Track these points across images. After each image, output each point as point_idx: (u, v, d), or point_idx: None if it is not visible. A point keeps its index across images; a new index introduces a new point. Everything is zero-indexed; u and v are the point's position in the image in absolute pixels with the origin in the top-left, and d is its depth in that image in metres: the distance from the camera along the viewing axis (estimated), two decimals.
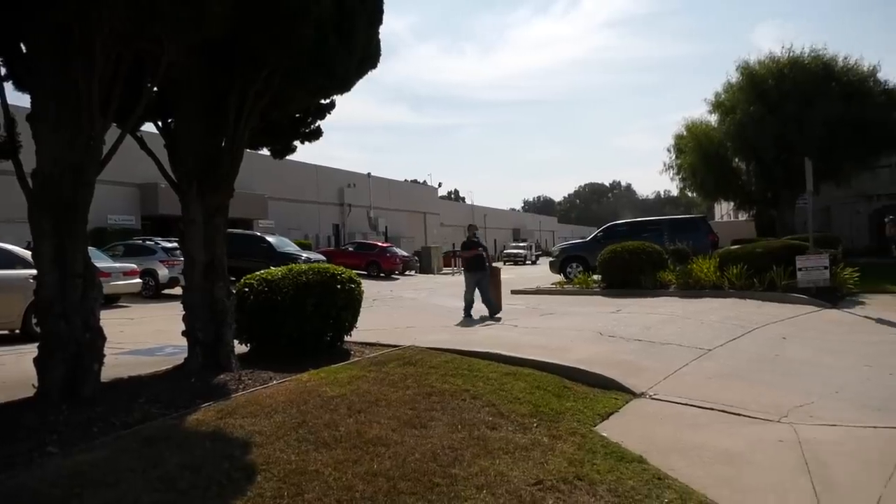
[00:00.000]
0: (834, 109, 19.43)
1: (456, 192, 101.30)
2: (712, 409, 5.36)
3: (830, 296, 12.33)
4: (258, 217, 31.06)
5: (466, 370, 6.05)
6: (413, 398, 5.14)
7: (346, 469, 3.73)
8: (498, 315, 11.01)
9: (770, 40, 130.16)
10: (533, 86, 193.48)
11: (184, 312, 6.25)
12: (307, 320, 6.70)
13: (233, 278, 6.98)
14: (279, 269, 7.21)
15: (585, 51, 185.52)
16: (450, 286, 21.21)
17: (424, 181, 62.28)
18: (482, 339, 8.23)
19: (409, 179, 65.66)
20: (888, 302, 12.08)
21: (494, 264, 12.10)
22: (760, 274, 13.30)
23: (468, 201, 76.30)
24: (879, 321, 10.12)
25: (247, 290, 6.87)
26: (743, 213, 27.70)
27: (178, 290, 14.23)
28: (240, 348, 6.86)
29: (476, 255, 11.48)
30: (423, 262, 33.55)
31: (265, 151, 8.21)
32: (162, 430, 4.36)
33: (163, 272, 17.76)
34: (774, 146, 20.20)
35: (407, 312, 12.76)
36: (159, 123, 6.69)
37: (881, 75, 21.26)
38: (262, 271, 7.20)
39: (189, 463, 3.74)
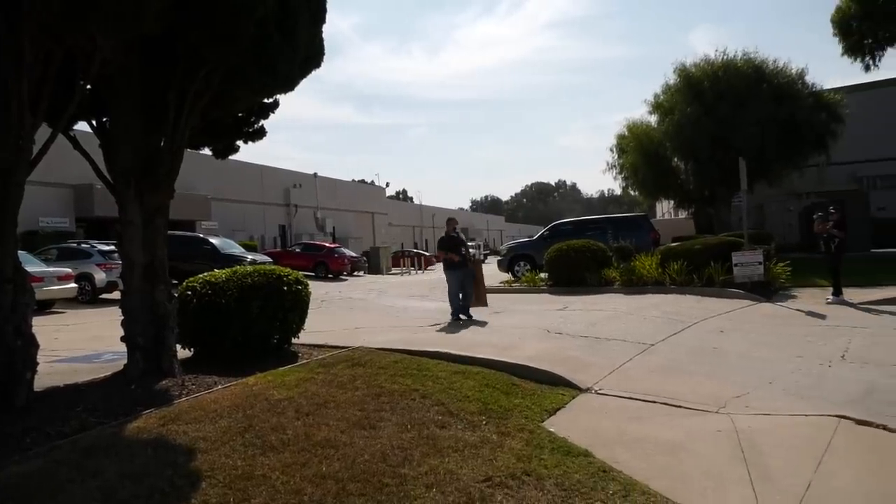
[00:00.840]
0: (765, 111, 20.29)
1: (404, 191, 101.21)
2: (654, 401, 5.53)
3: (765, 290, 12.89)
4: (201, 218, 30.26)
5: (416, 370, 6.05)
6: (362, 399, 5.12)
7: (294, 472, 3.69)
8: (470, 315, 10.48)
9: (705, 43, 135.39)
10: (479, 85, 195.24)
11: (123, 317, 6.05)
12: (253, 323, 6.58)
13: (175, 281, 6.79)
14: (223, 271, 7.05)
15: (529, 51, 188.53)
16: (399, 286, 21.17)
17: (372, 181, 61.93)
18: (432, 338, 8.25)
19: (356, 179, 65.13)
20: (817, 295, 12.70)
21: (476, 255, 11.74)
22: (699, 270, 13.78)
23: (417, 201, 76.25)
24: (809, 314, 10.64)
25: (189, 293, 6.69)
26: (682, 210, 28.63)
27: (116, 295, 13.75)
28: (183, 353, 6.67)
29: (457, 251, 10.69)
30: (371, 263, 33.36)
31: (207, 151, 8.00)
32: (100, 439, 4.21)
33: (100, 276, 17.08)
34: (711, 146, 20.95)
35: (356, 313, 12.66)
36: (94, 122, 6.43)
37: (808, 78, 22.35)
38: (205, 274, 7.03)
39: (130, 472, 3.63)
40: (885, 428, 4.57)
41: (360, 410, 4.83)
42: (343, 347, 7.22)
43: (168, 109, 6.01)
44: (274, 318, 6.76)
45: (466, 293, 10.61)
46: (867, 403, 5.41)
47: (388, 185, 61.33)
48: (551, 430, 4.71)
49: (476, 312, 10.69)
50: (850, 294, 12.12)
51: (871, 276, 14.31)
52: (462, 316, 10.41)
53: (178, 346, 6.45)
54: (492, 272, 23.58)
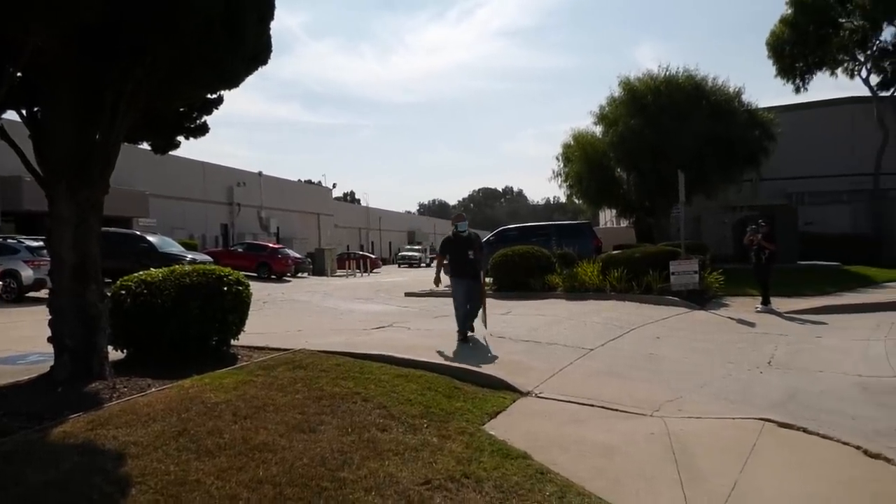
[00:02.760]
0: (704, 126, 21.07)
1: (351, 193, 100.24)
2: (592, 405, 5.66)
3: (699, 298, 13.37)
4: (138, 215, 29.21)
5: (358, 373, 6.01)
6: (302, 402, 5.05)
7: (230, 477, 3.61)
8: (473, 331, 8.67)
9: (649, 59, 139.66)
10: (429, 89, 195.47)
11: (50, 317, 5.78)
12: (191, 324, 6.40)
13: (108, 280, 6.55)
14: (160, 270, 6.84)
15: (478, 58, 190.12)
16: (344, 289, 20.98)
17: (319, 182, 61.25)
18: (375, 341, 8.22)
19: (302, 179, 64.25)
20: (748, 303, 13.27)
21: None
22: (639, 277, 14.18)
23: (364, 203, 75.78)
24: (740, 321, 11.11)
25: (123, 292, 6.45)
26: (624, 219, 29.37)
27: (45, 293, 13.12)
28: (116, 355, 6.44)
29: (463, 257, 8.57)
30: (316, 265, 32.94)
31: (146, 146, 7.76)
32: (23, 444, 4.01)
33: (26, 273, 16.25)
34: (652, 158, 21.59)
35: (299, 315, 12.48)
36: (24, 112, 6.14)
37: (745, 97, 23.31)
38: (141, 273, 6.80)
39: (54, 479, 3.48)
40: (805, 430, 4.82)
41: (301, 414, 4.77)
42: (284, 350, 7.10)
43: (105, 103, 5.79)
44: (213, 320, 6.59)
45: (472, 305, 8.66)
46: (790, 407, 5.70)
47: (335, 186, 60.64)
48: (492, 433, 4.76)
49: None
50: (778, 303, 12.72)
51: (797, 286, 15.05)
52: (467, 336, 8.52)
53: (111, 348, 6.22)
54: None
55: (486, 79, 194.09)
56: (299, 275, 29.71)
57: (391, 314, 12.32)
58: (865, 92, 26.60)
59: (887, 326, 10.23)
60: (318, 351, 6.97)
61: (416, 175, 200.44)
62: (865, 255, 22.36)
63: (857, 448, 4.40)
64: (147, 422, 4.43)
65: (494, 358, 7.40)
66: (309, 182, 66.30)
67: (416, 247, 56.71)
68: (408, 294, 16.98)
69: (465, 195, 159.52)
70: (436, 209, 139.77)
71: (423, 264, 48.76)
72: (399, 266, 49.14)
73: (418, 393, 5.52)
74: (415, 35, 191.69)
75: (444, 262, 8.94)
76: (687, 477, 4.06)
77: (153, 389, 5.33)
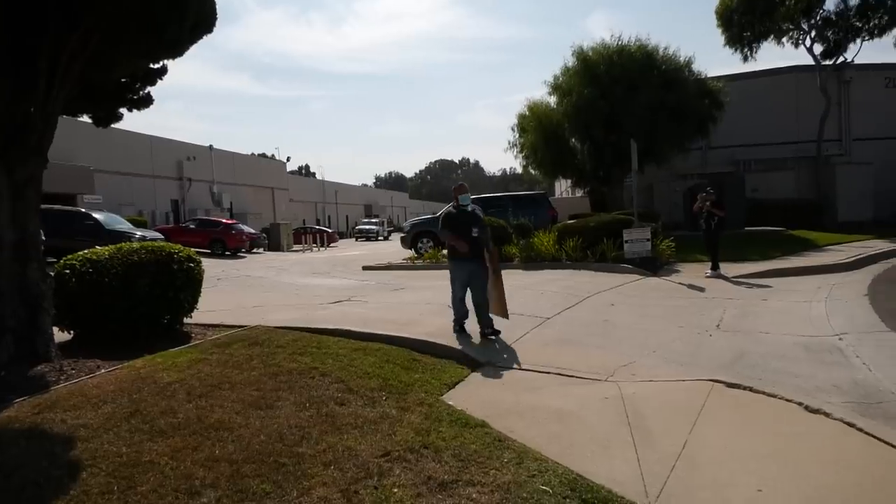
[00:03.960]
0: (656, 96, 21.31)
1: (306, 166, 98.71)
2: (549, 372, 5.76)
3: (652, 265, 13.67)
4: (83, 191, 28.06)
5: (315, 348, 5.97)
6: (259, 379, 4.99)
7: (185, 457, 3.55)
8: (496, 329, 7.08)
9: (602, 28, 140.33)
10: (382, 60, 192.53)
11: None
12: (140, 303, 6.22)
13: (53, 260, 6.29)
14: (107, 248, 6.60)
15: (434, 27, 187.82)
16: (300, 264, 20.74)
17: (272, 155, 59.97)
18: (332, 316, 8.16)
19: (255, 153, 62.83)
20: (698, 269, 13.64)
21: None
22: (593, 246, 14.41)
23: (319, 176, 74.63)
24: (690, 287, 11.42)
25: (68, 271, 6.22)
26: (579, 189, 29.67)
27: None
28: (63, 336, 6.23)
29: (466, 235, 7.18)
30: (271, 240, 32.41)
31: (87, 118, 7.42)
32: None
33: None
34: (606, 128, 21.78)
35: (254, 291, 12.29)
36: None
37: (695, 66, 23.61)
38: (86, 251, 6.56)
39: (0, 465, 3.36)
40: (751, 389, 5.01)
41: (257, 391, 4.71)
42: (239, 326, 6.99)
43: (40, 74, 5.50)
44: (163, 298, 6.43)
45: (478, 296, 7.22)
46: (737, 368, 5.91)
47: (289, 159, 59.80)
48: (450, 403, 4.80)
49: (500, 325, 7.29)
50: (726, 268, 13.11)
51: (745, 251, 15.53)
52: (466, 327, 7.26)
53: (57, 330, 6.01)
54: (395, 249, 23.69)
55: (441, 49, 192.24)
56: (254, 250, 29.23)
57: (349, 288, 12.24)
58: (810, 61, 27.27)
59: (828, 288, 10.68)
60: (275, 327, 6.89)
61: (371, 147, 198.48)
62: (808, 220, 23.17)
63: (799, 404, 4.60)
64: (97, 404, 4.31)
65: (452, 329, 7.42)
66: (262, 156, 64.89)
67: (374, 220, 56.28)
68: (365, 268, 16.90)
69: (422, 167, 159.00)
70: (392, 182, 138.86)
71: (380, 237, 48.57)
72: (356, 240, 48.82)
73: (377, 366, 5.52)
74: (366, 3, 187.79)
75: (448, 240, 7.37)
76: (640, 438, 4.17)
77: (102, 371, 5.18)
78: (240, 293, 11.97)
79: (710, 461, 3.83)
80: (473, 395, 5.09)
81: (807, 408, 4.52)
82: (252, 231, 30.04)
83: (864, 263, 13.84)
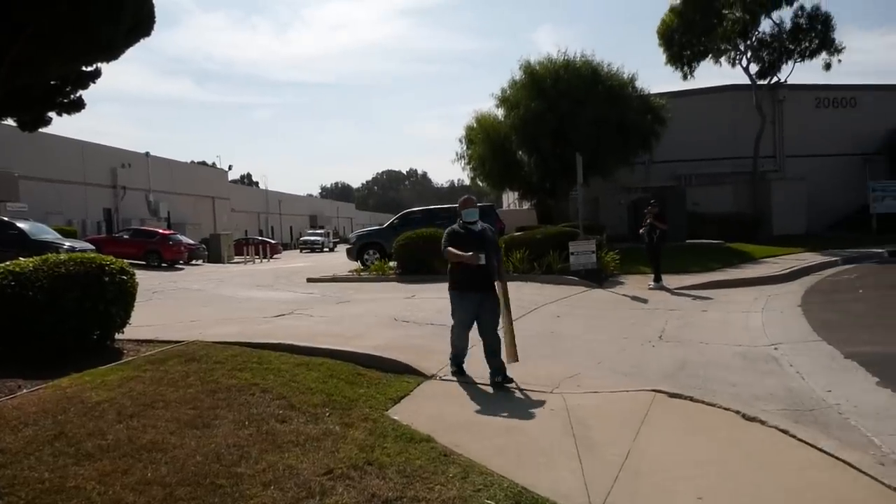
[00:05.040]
0: (601, 110, 21.90)
1: (249, 175, 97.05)
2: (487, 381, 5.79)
3: (597, 277, 13.98)
4: (7, 199, 26.72)
5: (256, 363, 5.83)
6: (196, 397, 4.84)
7: (114, 481, 3.40)
8: (509, 377, 5.84)
9: (549, 43, 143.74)
10: (329, 69, 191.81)
11: None
12: (68, 317, 5.94)
13: None
14: (31, 259, 6.30)
15: (382, 37, 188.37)
16: (242, 276, 20.30)
17: (213, 163, 58.61)
18: (274, 330, 8.02)
19: (195, 161, 61.29)
20: (641, 281, 14.02)
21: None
22: (540, 258, 14.63)
23: (262, 186, 73.42)
24: (634, 298, 11.72)
25: None
26: (526, 201, 30.12)
27: None
28: None
29: (474, 258, 5.83)
30: (211, 251, 31.62)
31: (12, 122, 7.10)
32: None
33: None
34: (552, 141, 22.22)
35: (192, 305, 11.94)
36: None
37: (638, 83, 24.40)
38: (9, 263, 6.23)
39: None
40: (691, 399, 5.17)
41: (193, 409, 4.56)
42: (175, 342, 6.76)
43: None
44: (93, 312, 6.16)
45: (490, 336, 5.96)
46: (679, 378, 6.09)
47: (230, 168, 58.55)
48: (395, 418, 4.77)
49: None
50: (668, 280, 13.52)
51: (685, 263, 16.05)
52: (466, 367, 6.17)
53: None
54: (340, 260, 23.46)
55: (389, 59, 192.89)
56: (193, 262, 28.48)
57: (292, 301, 12.04)
58: (746, 80, 28.53)
59: (764, 299, 11.15)
60: (213, 342, 6.69)
61: (317, 157, 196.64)
62: (746, 233, 24.15)
63: (737, 412, 4.77)
64: (17, 426, 4.09)
65: (397, 342, 7.40)
66: (202, 164, 63.38)
67: (319, 231, 55.73)
68: (310, 280, 16.68)
69: (369, 177, 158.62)
70: (338, 192, 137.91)
71: (326, 249, 48.12)
72: (301, 251, 48.23)
73: (320, 381, 5.43)
74: (313, 10, 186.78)
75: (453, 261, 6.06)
76: (584, 448, 4.24)
77: (24, 391, 4.92)
78: (177, 307, 11.61)
79: (653, 469, 3.92)
80: (419, 410, 5.07)
81: (744, 416, 4.69)
82: (191, 242, 29.30)
83: (798, 275, 14.50)
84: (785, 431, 4.36)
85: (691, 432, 4.54)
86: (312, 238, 50.12)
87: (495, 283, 6.09)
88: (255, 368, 5.66)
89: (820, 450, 4.05)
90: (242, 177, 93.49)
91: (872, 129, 29.56)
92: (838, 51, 26.91)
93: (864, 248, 19.73)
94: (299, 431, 4.28)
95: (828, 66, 27.28)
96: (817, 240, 23.22)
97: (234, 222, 51.19)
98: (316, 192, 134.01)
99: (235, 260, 33.43)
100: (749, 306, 10.43)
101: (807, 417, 4.90)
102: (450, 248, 5.99)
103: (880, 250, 19.06)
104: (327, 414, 4.68)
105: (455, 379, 6.01)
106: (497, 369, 5.87)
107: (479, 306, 5.99)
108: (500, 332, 6.04)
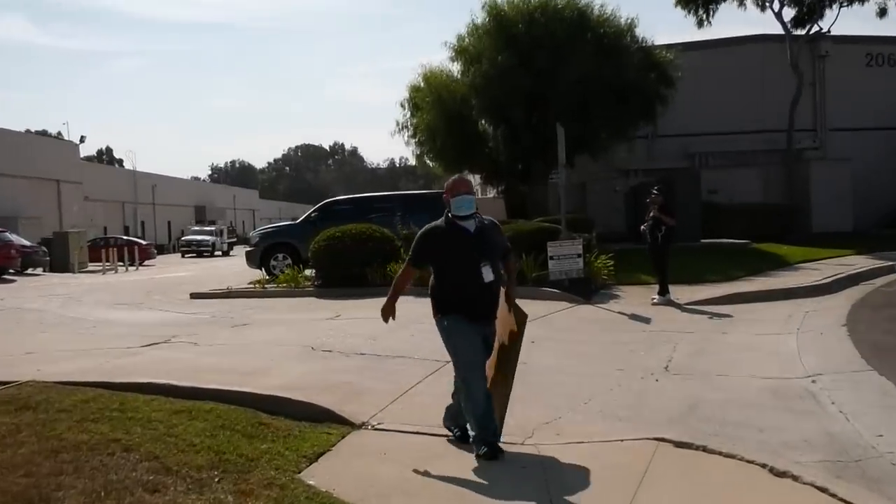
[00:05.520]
0: (589, 67, 22.16)
1: (109, 151, 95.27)
2: (448, 435, 5.84)
3: (584, 288, 14.20)
4: None
5: (117, 411, 5.79)
6: (30, 460, 4.74)
7: None
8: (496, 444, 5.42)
9: None
10: (219, 4, 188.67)
11: None
12: None
13: None
14: None
15: None
16: (99, 290, 19.93)
17: (58, 134, 57.18)
18: (143, 365, 7.97)
19: (32, 130, 59.63)
20: (642, 294, 14.31)
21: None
22: None
23: (129, 165, 72.10)
24: (633, 317, 11.97)
25: None
26: (491, 188, 30.36)
27: None
28: None
29: (470, 270, 5.50)
30: (55, 256, 30.98)
31: None
32: None
33: None
34: (526, 107, 22.45)
35: (27, 331, 11.69)
36: None
37: (638, 31, 24.90)
38: None
39: None
40: (704, 449, 5.30)
41: (26, 477, 4.46)
42: (2, 383, 6.64)
43: None
44: None
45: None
46: (689, 422, 6.25)
47: (83, 140, 57.12)
48: (310, 482, 4.75)
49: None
50: (678, 292, 13.83)
51: (700, 270, 16.47)
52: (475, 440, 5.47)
53: None
54: (238, 268, 23.19)
55: None
56: (30, 271, 27.95)
57: (170, 325, 11.90)
58: (779, 29, 29.34)
59: (800, 316, 11.53)
60: (57, 382, 6.65)
61: (206, 127, 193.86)
62: (778, 229, 24.91)
63: (763, 466, 4.92)
64: None
65: (315, 379, 7.37)
66: (43, 134, 61.75)
67: (208, 228, 54.94)
68: (195, 295, 16.50)
69: (278, 155, 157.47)
70: (236, 175, 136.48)
71: (217, 252, 47.58)
72: (183, 255, 47.67)
73: (207, 434, 5.40)
74: None
75: (413, 277, 6.10)
76: None
77: None
78: (4, 334, 11.34)
79: None
80: (344, 470, 5.07)
81: (772, 470, 4.84)
82: (26, 243, 28.77)
83: (843, 285, 15.03)
84: (824, 490, 4.52)
85: (702, 495, 4.67)
86: (199, 237, 49.58)
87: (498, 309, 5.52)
88: (116, 418, 5.61)
89: None
90: (100, 152, 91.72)
91: None
92: None
93: None
94: None
95: (883, 12, 28.20)
96: (868, 239, 24.10)
97: (88, 215, 50.15)
98: (205, 174, 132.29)
99: (90, 267, 33.16)
100: (781, 326, 10.78)
101: (852, 470, 5.08)
102: (399, 273, 5.88)
103: None
104: (216, 479, 4.63)
105: (391, 429, 6.02)
106: (496, 429, 5.51)
107: (484, 336, 5.59)
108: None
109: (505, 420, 5.76)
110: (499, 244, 5.77)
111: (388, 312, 5.83)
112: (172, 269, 30.95)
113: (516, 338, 5.47)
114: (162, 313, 14.03)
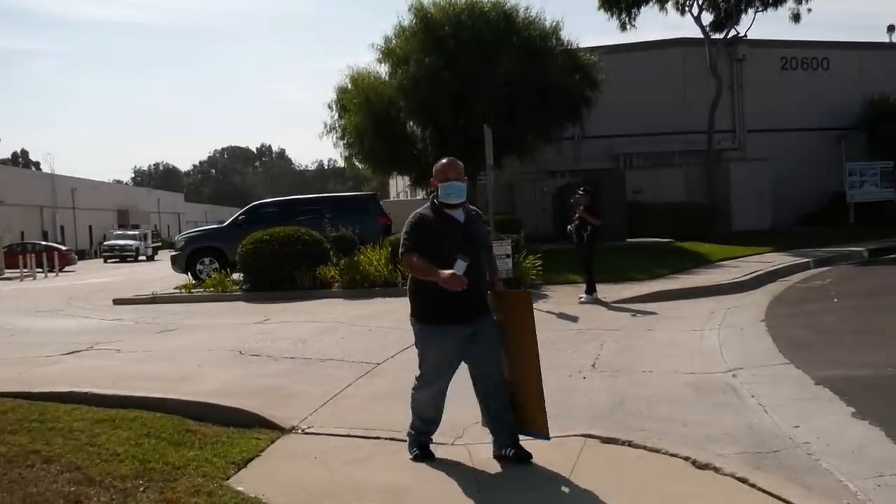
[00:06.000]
0: (516, 69, 22.43)
1: (24, 154, 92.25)
2: (378, 437, 5.86)
3: (513, 289, 14.29)
4: None
5: (37, 421, 5.66)
6: None
7: None
8: (526, 451, 5.23)
9: None
10: (140, 3, 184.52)
11: None
12: None
13: None
14: None
15: None
16: (15, 297, 19.35)
17: None
18: (64, 373, 7.80)
19: None
20: (570, 293, 14.54)
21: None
22: None
23: (46, 168, 70.02)
24: (561, 316, 12.17)
25: None
26: (420, 189, 30.44)
27: None
28: None
29: (457, 282, 4.86)
30: None
31: None
32: None
33: None
34: (452, 108, 22.57)
35: None
36: None
37: (564, 34, 25.21)
38: None
39: None
40: (630, 444, 5.44)
41: None
42: None
43: None
44: None
45: (489, 386, 5.48)
46: (616, 418, 6.40)
47: None
48: (239, 489, 4.71)
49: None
50: (605, 291, 14.12)
51: (625, 269, 16.84)
52: (430, 450, 5.45)
53: None
54: (163, 273, 22.76)
55: None
56: None
57: (93, 332, 11.67)
58: (698, 33, 30.14)
59: (722, 313, 11.89)
60: None
61: (128, 129, 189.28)
62: (700, 228, 25.60)
63: (686, 459, 5.07)
64: None
65: (242, 384, 7.29)
66: None
67: (132, 232, 53.83)
68: (118, 301, 16.19)
69: (204, 157, 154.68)
70: (161, 178, 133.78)
71: (142, 257, 46.67)
72: (106, 261, 46.63)
73: (131, 443, 5.32)
74: None
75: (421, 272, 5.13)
76: None
77: None
78: None
79: None
80: (273, 475, 5.04)
81: (694, 463, 4.99)
82: None
83: (762, 282, 15.58)
84: (744, 480, 4.67)
85: (627, 487, 4.77)
86: (122, 242, 48.82)
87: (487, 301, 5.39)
88: (36, 429, 5.49)
89: (786, 501, 4.37)
90: (15, 155, 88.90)
91: (848, 98, 31.91)
92: None
93: (841, 245, 21.56)
94: None
95: (796, 17, 29.24)
96: (785, 237, 25.05)
97: (4, 220, 48.57)
98: (127, 177, 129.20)
99: (7, 274, 32.67)
100: (704, 322, 11.09)
101: (770, 461, 5.27)
102: (414, 260, 5.08)
103: (859, 248, 20.87)
104: (141, 489, 4.56)
105: (322, 433, 6.00)
106: (504, 439, 5.28)
107: (470, 344, 5.23)
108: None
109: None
110: (485, 237, 5.58)
111: (457, 279, 4.82)
112: (95, 275, 30.24)
113: (525, 323, 5.33)
114: (84, 320, 13.78)
